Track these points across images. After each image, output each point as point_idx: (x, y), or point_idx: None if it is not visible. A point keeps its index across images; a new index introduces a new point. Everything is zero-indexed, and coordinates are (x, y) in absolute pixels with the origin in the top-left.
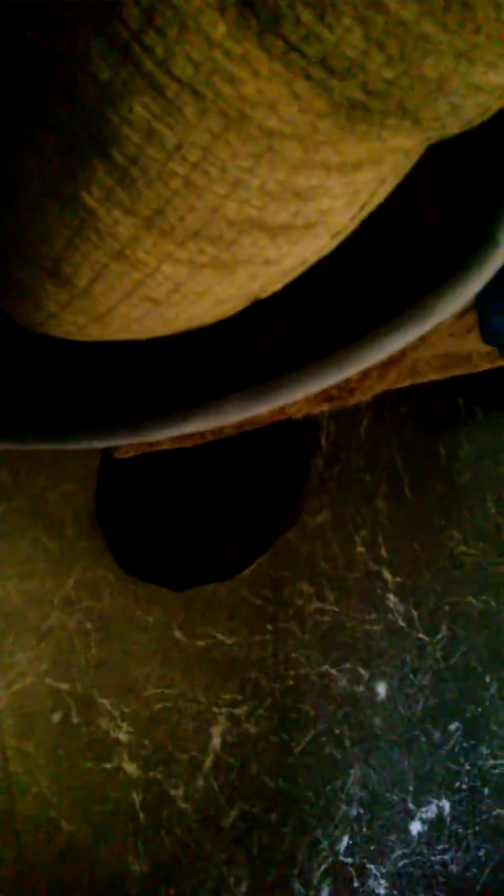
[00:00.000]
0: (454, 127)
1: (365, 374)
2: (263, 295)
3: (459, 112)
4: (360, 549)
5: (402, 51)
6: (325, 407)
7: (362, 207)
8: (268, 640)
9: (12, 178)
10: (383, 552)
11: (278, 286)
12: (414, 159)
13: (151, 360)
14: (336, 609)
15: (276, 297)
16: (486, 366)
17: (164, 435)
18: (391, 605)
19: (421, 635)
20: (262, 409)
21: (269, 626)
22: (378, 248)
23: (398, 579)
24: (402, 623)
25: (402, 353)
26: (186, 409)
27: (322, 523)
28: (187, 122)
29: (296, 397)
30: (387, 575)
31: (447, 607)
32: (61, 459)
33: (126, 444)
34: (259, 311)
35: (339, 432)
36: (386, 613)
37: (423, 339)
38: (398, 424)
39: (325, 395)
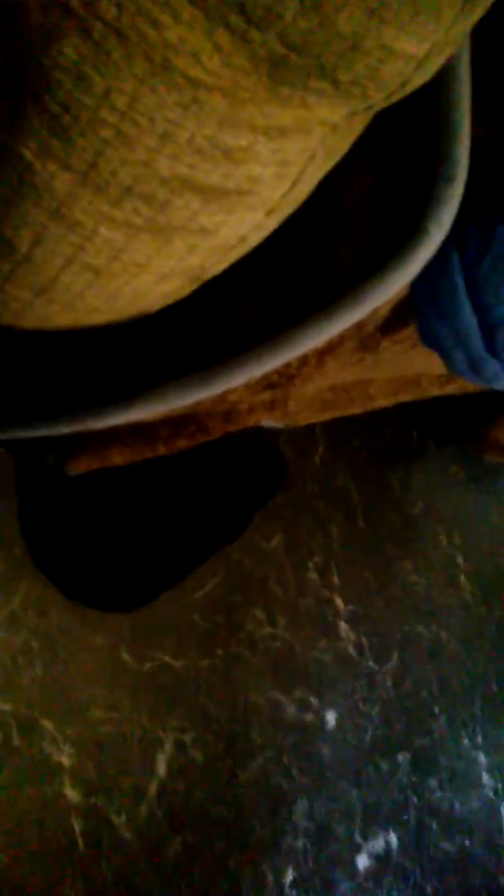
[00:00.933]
0: (375, 95)
1: (304, 361)
2: (205, 275)
3: (377, 76)
4: (313, 574)
5: None
6: (267, 396)
7: (294, 184)
8: (217, 665)
9: None
10: (336, 579)
11: (219, 266)
12: (344, 142)
13: (96, 350)
14: (287, 635)
15: (223, 286)
16: (435, 391)
17: (109, 422)
18: (342, 633)
19: (371, 664)
20: (203, 394)
21: (220, 651)
22: (316, 237)
23: (350, 607)
24: (352, 651)
25: (340, 340)
26: (129, 397)
27: (276, 547)
28: (115, 66)
29: (236, 382)
30: (339, 602)
31: (398, 636)
32: (5, 476)
33: (67, 431)
34: (206, 302)
35: (294, 458)
36: (337, 641)
37: (358, 326)
38: (353, 454)
39: (266, 382)
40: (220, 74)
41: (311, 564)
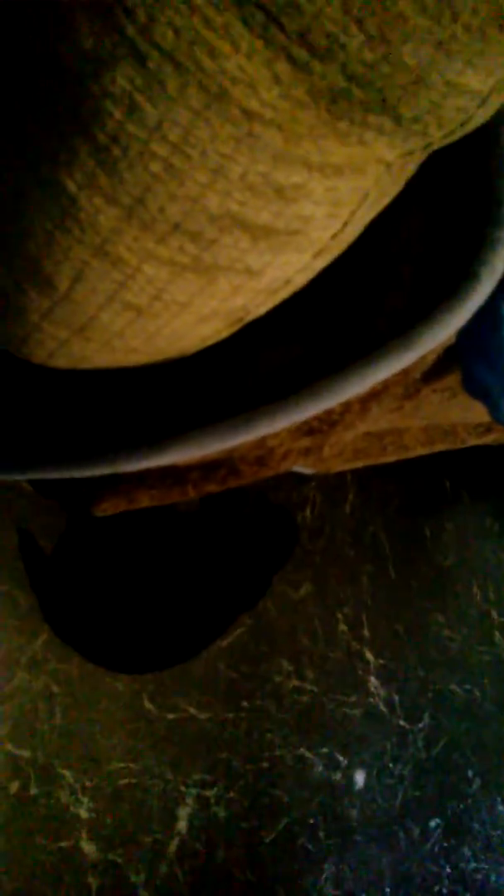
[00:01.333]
0: (435, 133)
1: (347, 407)
2: (247, 317)
3: (439, 112)
4: (343, 626)
5: (381, 30)
6: (307, 442)
7: (345, 225)
8: (242, 718)
9: None
10: (366, 632)
11: (262, 309)
12: (397, 183)
13: (131, 391)
14: (315, 689)
15: (264, 328)
16: (472, 441)
17: (142, 465)
18: (372, 689)
19: (402, 722)
20: (242, 438)
21: (245, 703)
22: (362, 280)
23: (380, 661)
24: (383, 708)
25: (385, 386)
26: (164, 440)
27: (304, 597)
28: (168, 96)
29: (276, 428)
30: (369, 656)
31: (430, 694)
32: (35, 515)
33: (100, 474)
34: (246, 344)
35: (324, 505)
36: (367, 697)
37: (405, 372)
38: (384, 502)
39: (307, 428)
40: (277, 107)
41: (340, 615)
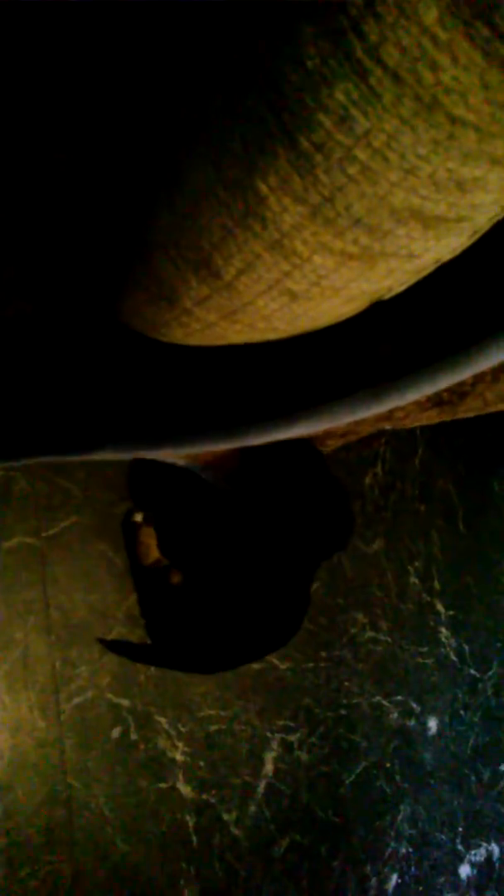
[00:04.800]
0: None
1: (479, 378)
2: (388, 295)
3: None
4: (414, 579)
5: None
6: (434, 413)
7: (503, 208)
8: (321, 668)
9: (181, 168)
10: (437, 584)
11: (404, 287)
12: None
13: (256, 364)
14: (389, 639)
15: (394, 303)
16: None
17: (272, 438)
18: (443, 639)
19: (472, 671)
20: (373, 411)
21: (323, 654)
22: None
23: (451, 612)
24: (454, 657)
25: None
26: (292, 413)
27: (377, 551)
28: (382, 108)
29: (406, 401)
30: (440, 607)
31: (499, 644)
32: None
33: (227, 448)
34: (376, 318)
35: (394, 462)
36: (438, 647)
37: None
38: (453, 457)
39: (437, 399)
40: (480, 111)
41: (411, 569)
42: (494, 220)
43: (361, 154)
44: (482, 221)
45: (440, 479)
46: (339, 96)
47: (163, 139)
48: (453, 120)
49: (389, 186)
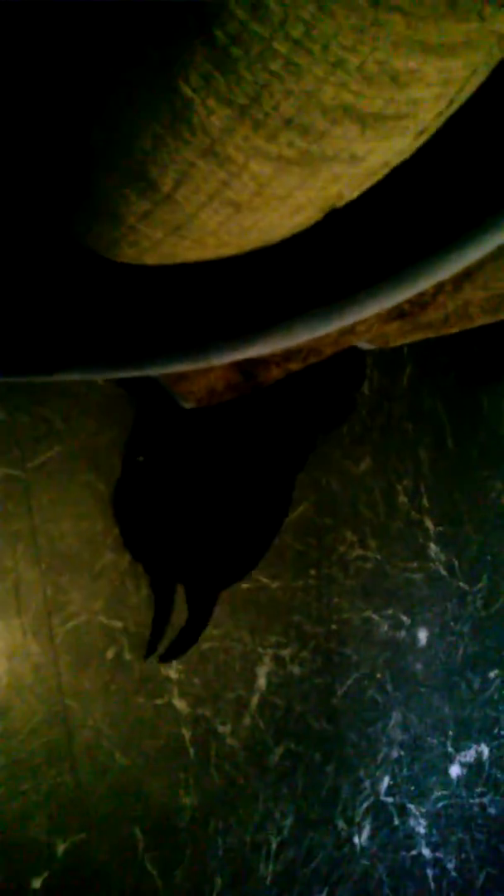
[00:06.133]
0: None
1: (439, 289)
2: (339, 203)
3: None
4: (403, 497)
5: None
6: (395, 325)
7: (450, 102)
8: (311, 586)
9: (103, 74)
10: (425, 501)
11: (355, 193)
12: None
13: (215, 284)
14: (378, 556)
15: (348, 213)
16: None
17: (231, 357)
18: (432, 555)
19: (462, 584)
20: (332, 327)
21: (313, 572)
22: (452, 160)
23: (440, 528)
24: (443, 572)
25: (479, 265)
26: (254, 332)
27: (365, 471)
28: None
29: (368, 314)
30: (428, 524)
31: (488, 557)
32: (110, 405)
33: (192, 368)
34: (331, 232)
35: (382, 381)
36: (427, 562)
37: None
38: (441, 374)
39: (397, 312)
40: None
41: (400, 487)
42: (443, 118)
43: (281, 47)
44: (427, 119)
45: (428, 397)
46: None
47: (81, 42)
48: (375, 3)
49: (316, 82)
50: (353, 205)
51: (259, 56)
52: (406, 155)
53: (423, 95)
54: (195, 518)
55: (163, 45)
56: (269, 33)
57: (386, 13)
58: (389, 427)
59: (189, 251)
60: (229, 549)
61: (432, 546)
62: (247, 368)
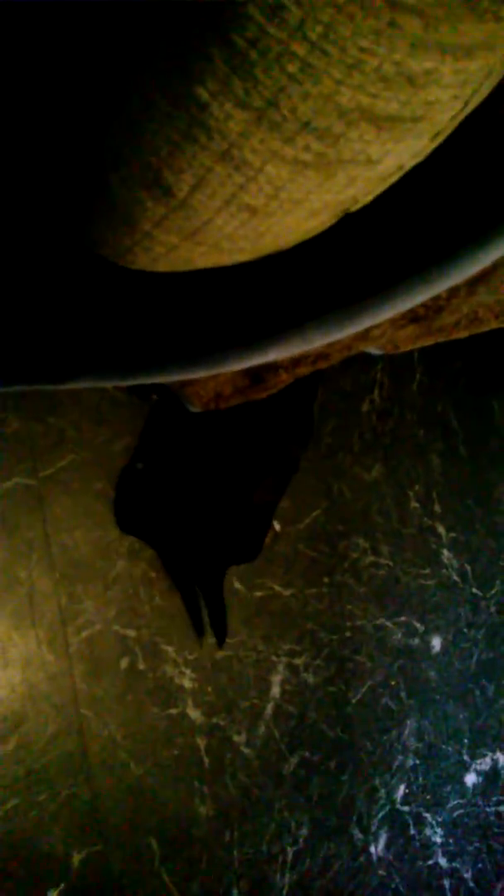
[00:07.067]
0: None
1: (453, 293)
2: (354, 207)
3: None
4: (415, 504)
5: None
6: (408, 330)
7: (465, 104)
8: (324, 593)
9: (119, 81)
10: (437, 508)
11: (369, 197)
12: None
13: (229, 290)
14: (391, 563)
15: (363, 218)
16: None
17: (244, 364)
18: (445, 560)
19: (475, 590)
20: (347, 332)
21: (326, 579)
22: (467, 162)
23: (452, 535)
24: (456, 578)
25: (493, 268)
26: (268, 338)
27: (376, 478)
28: None
29: (383, 318)
30: (441, 530)
31: (501, 563)
32: (122, 413)
33: (206, 375)
34: (344, 236)
35: (392, 387)
36: (440, 568)
37: None
38: (452, 380)
39: (412, 316)
40: None
41: (411, 493)
42: (458, 120)
43: (299, 49)
44: (443, 121)
45: (439, 403)
46: None
47: (96, 50)
48: (393, 5)
49: (334, 85)
50: (368, 208)
51: (276, 59)
52: (421, 157)
53: (439, 97)
54: (196, 504)
55: (179, 49)
56: (286, 36)
57: (403, 14)
58: (400, 433)
59: (204, 257)
60: (229, 528)
61: (445, 552)
62: (255, 372)
